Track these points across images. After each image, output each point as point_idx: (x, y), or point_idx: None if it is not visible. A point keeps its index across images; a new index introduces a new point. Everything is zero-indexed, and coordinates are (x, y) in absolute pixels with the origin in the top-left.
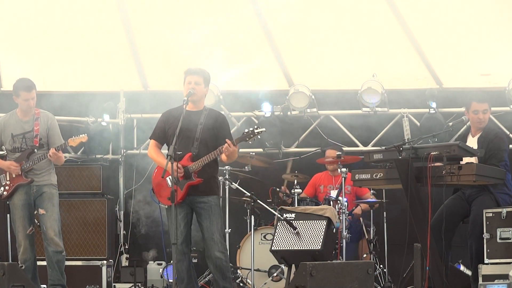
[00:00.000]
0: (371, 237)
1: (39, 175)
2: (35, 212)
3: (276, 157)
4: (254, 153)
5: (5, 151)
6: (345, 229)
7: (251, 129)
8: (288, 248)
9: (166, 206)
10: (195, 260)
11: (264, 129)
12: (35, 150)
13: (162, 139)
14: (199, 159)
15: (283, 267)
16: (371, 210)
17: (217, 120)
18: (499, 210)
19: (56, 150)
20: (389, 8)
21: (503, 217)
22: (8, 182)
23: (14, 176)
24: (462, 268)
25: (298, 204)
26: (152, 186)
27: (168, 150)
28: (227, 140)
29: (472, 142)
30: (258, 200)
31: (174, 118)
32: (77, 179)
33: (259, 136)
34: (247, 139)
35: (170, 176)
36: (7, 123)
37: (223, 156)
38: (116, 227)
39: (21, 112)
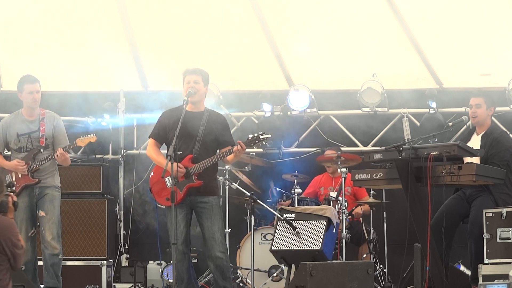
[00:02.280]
0: (371, 237)
1: (43, 176)
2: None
3: (276, 157)
4: (254, 153)
5: (9, 152)
6: (345, 229)
7: (255, 134)
8: (288, 248)
9: (164, 206)
10: (195, 260)
11: (269, 135)
12: (41, 150)
13: (162, 139)
14: (200, 161)
15: (283, 267)
16: (371, 211)
17: (220, 123)
18: (499, 210)
19: (64, 150)
20: (389, 8)
21: (503, 217)
22: (14, 182)
23: (20, 176)
24: (462, 268)
25: (298, 204)
26: (150, 185)
27: (167, 150)
28: (239, 142)
29: (476, 140)
30: (258, 200)
31: (175, 118)
32: (77, 179)
33: (264, 142)
34: (252, 144)
35: (169, 177)
36: (12, 122)
37: (230, 157)
38: (116, 227)
39: (26, 110)
